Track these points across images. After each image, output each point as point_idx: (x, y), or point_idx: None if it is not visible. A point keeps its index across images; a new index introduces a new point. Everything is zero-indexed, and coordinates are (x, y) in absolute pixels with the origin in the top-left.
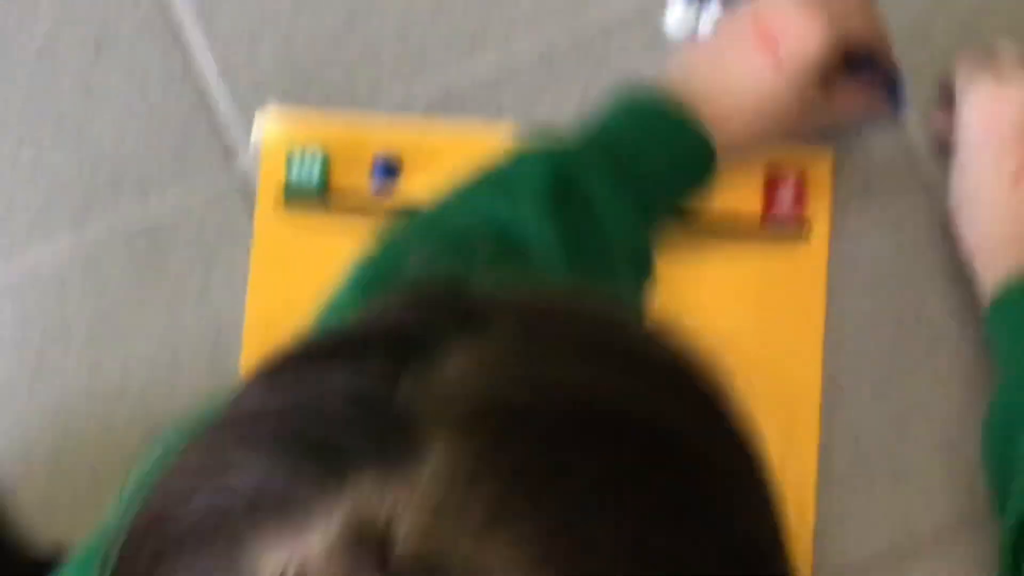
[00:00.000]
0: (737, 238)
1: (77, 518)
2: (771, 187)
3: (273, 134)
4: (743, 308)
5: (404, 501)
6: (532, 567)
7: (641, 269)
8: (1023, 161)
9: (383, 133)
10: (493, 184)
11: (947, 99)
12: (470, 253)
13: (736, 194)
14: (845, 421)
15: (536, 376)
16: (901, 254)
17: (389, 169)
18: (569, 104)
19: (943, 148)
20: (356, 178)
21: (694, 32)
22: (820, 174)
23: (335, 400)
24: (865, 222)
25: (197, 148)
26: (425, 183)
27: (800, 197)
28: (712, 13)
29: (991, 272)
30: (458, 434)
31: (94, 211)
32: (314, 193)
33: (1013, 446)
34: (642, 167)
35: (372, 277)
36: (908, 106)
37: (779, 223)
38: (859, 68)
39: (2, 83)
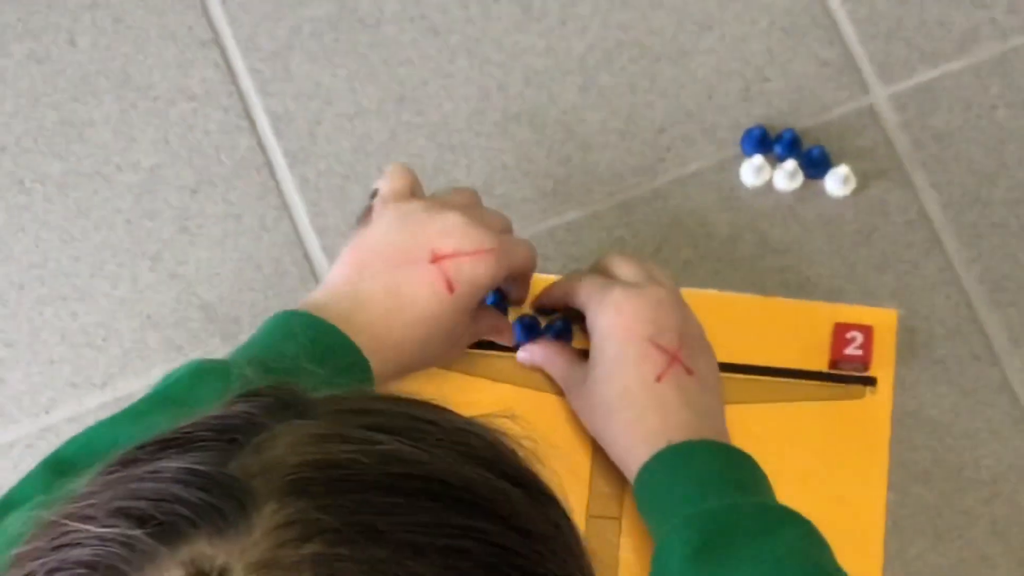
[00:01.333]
0: (807, 392)
1: None
2: (840, 333)
3: None
4: (811, 458)
5: (237, 556)
6: None
7: None
8: (662, 362)
9: None
10: (165, 406)
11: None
12: None
13: (804, 351)
14: (908, 568)
15: (355, 447)
16: (962, 409)
17: None
18: (646, 254)
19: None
20: None
21: (768, 183)
22: (885, 332)
23: (164, 479)
24: (928, 378)
25: (288, 287)
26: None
27: (867, 344)
28: (787, 168)
29: (635, 457)
30: (285, 497)
31: (188, 345)
32: None
33: None
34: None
35: (63, 458)
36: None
37: (848, 364)
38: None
39: (103, 222)
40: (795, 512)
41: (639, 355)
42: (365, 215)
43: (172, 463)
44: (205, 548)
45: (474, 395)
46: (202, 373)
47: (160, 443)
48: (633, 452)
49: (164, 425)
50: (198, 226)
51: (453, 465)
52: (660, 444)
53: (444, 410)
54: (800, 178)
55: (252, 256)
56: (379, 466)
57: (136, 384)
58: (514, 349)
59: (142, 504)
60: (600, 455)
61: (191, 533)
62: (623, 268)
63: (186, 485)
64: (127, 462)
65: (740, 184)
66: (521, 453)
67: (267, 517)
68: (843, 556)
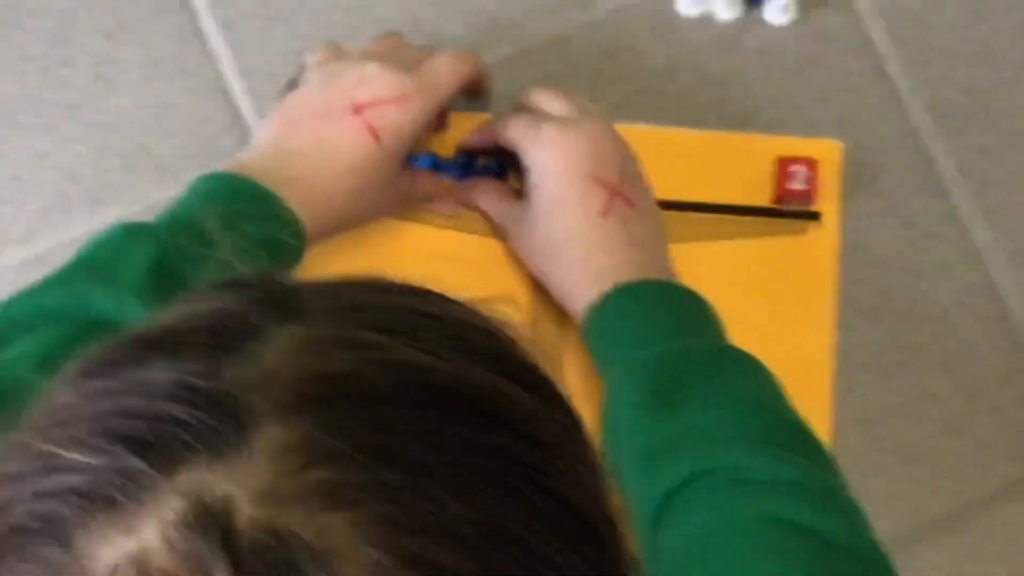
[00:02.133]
0: (750, 228)
1: None
2: (782, 167)
3: None
4: (756, 297)
5: (240, 484)
6: (372, 546)
7: None
8: (604, 196)
9: None
10: (92, 271)
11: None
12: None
13: (747, 187)
14: (856, 405)
15: (357, 353)
16: (909, 242)
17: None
18: (582, 87)
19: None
20: None
21: (706, 13)
22: (830, 164)
23: (156, 394)
24: (874, 211)
25: (213, 134)
26: None
27: (812, 177)
28: None
29: (583, 298)
30: (286, 415)
31: (109, 197)
32: None
33: (617, 444)
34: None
35: None
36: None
37: (792, 199)
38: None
39: (15, 70)
40: (747, 353)
41: (581, 191)
42: (291, 84)
43: (161, 373)
44: (204, 475)
45: (406, 240)
46: (128, 237)
47: (143, 342)
48: (580, 292)
49: (92, 292)
50: (116, 73)
51: (460, 368)
52: (608, 284)
53: (444, 300)
54: (738, 7)
55: (174, 102)
56: (383, 376)
57: (57, 238)
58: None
59: (134, 425)
60: (540, 299)
61: (188, 458)
62: (553, 103)
63: (180, 402)
64: (108, 365)
65: (676, 15)
66: (524, 346)
67: (268, 439)
68: (792, 394)
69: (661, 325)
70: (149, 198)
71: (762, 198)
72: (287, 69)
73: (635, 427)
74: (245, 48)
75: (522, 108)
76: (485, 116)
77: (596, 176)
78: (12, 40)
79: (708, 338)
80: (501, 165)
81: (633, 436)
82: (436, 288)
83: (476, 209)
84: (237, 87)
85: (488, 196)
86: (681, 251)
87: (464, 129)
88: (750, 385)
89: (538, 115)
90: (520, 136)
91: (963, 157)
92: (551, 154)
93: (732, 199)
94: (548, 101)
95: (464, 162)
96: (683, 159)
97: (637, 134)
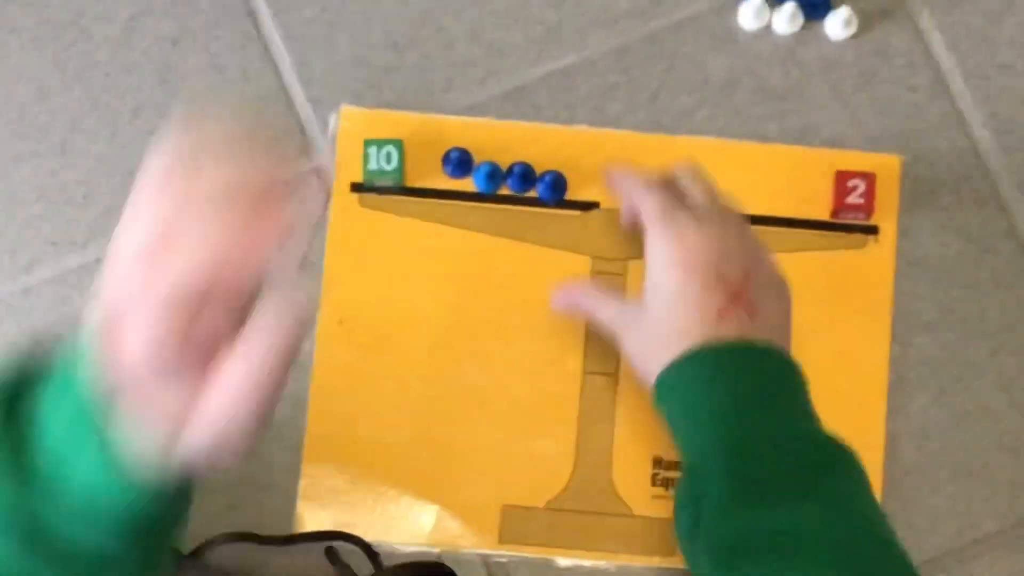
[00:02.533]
0: (808, 241)
1: None
2: (841, 181)
3: (349, 129)
4: (813, 309)
5: None
6: None
7: None
8: (724, 297)
9: (455, 130)
10: None
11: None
12: None
13: (805, 200)
14: (912, 420)
15: None
16: (967, 257)
17: (462, 162)
18: (641, 101)
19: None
20: (429, 172)
21: (767, 26)
22: (888, 178)
23: None
24: (932, 225)
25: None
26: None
27: (870, 191)
28: (786, 11)
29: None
30: None
31: None
32: (391, 179)
33: (694, 525)
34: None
35: None
36: None
37: (850, 213)
38: None
39: (80, 76)
40: (842, 447)
41: (701, 290)
42: None
43: None
44: None
45: (454, 245)
46: None
47: None
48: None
49: None
50: (180, 79)
51: None
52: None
53: None
54: (800, 20)
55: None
56: None
57: None
58: (491, 198)
59: None
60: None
61: None
62: (695, 187)
63: None
64: None
65: (738, 27)
66: None
67: None
68: (845, 409)
69: (748, 396)
70: None
71: (820, 211)
72: (349, 78)
73: (716, 515)
74: (307, 56)
75: (667, 177)
76: (544, 127)
77: (719, 277)
78: (77, 47)
79: (801, 421)
80: (562, 177)
81: (715, 524)
82: None
83: (584, 315)
84: (298, 94)
85: (597, 302)
86: None
87: (519, 139)
88: (842, 488)
89: (676, 197)
90: (653, 217)
91: (1023, 173)
92: (677, 248)
93: (790, 212)
94: (692, 185)
95: (523, 172)
96: (742, 171)
97: (696, 145)
